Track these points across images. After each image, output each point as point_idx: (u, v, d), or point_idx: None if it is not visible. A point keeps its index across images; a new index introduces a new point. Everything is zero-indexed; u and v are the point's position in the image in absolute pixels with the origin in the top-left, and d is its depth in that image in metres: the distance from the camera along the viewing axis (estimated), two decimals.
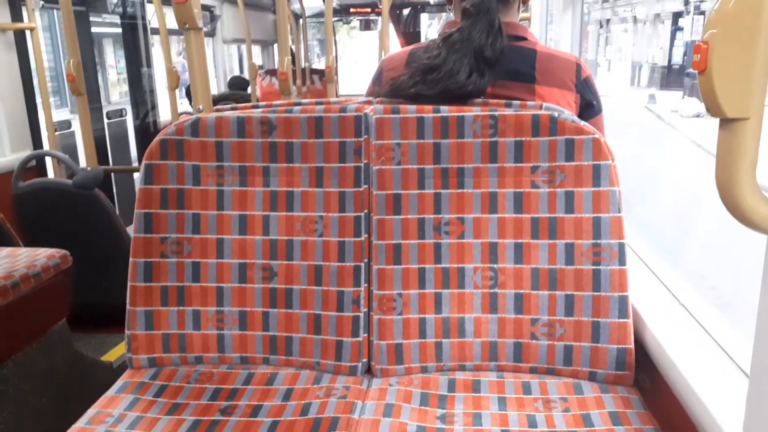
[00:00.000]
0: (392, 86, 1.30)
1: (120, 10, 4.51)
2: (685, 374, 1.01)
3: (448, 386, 1.22)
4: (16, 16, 3.04)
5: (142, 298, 1.30)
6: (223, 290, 1.30)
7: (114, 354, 2.46)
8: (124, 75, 4.77)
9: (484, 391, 1.20)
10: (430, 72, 1.26)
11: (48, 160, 3.27)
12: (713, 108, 0.62)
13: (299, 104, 1.31)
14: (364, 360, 1.28)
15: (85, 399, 1.27)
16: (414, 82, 1.27)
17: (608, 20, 27.89)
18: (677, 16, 21.60)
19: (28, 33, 3.12)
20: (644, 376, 1.23)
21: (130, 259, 1.30)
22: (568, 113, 1.23)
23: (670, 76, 20.79)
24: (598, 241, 1.21)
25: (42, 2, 3.30)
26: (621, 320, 1.20)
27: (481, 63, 1.24)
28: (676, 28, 21.76)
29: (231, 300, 1.30)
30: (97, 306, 2.31)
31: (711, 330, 1.15)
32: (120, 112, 4.49)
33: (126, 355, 1.32)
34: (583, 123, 1.21)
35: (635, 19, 25.72)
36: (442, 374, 1.26)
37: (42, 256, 1.94)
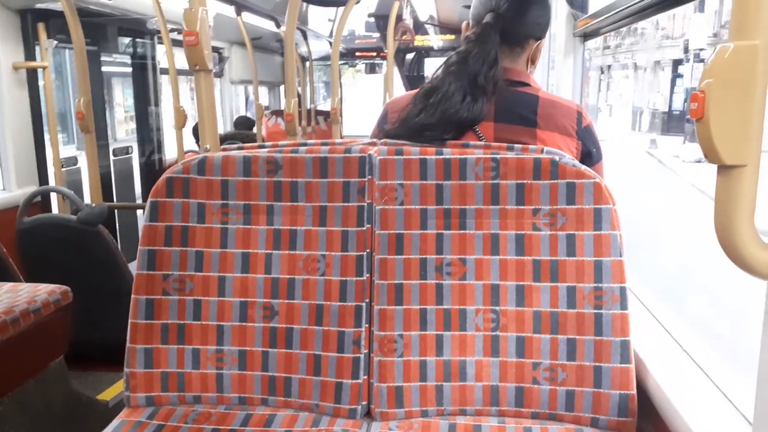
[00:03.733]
0: (401, 120, 1.34)
1: (131, 50, 4.61)
2: (689, 422, 0.99)
3: (448, 431, 1.20)
4: (30, 55, 3.11)
5: (143, 336, 1.29)
6: (223, 329, 1.30)
7: (110, 393, 2.43)
8: (131, 113, 4.84)
9: None
10: (430, 95, 1.32)
11: (53, 196, 3.30)
12: (711, 155, 0.63)
13: (305, 144, 1.33)
14: (363, 403, 1.26)
15: None
16: (419, 110, 1.32)
17: (609, 66, 28.38)
18: (677, 63, 21.99)
19: (39, 71, 3.19)
20: (647, 423, 1.21)
21: (132, 296, 1.30)
22: (569, 157, 1.24)
23: (671, 122, 21.06)
24: (600, 285, 1.20)
25: (55, 42, 3.38)
26: (623, 365, 1.19)
27: (475, 89, 1.29)
28: (676, 75, 22.15)
29: (231, 339, 1.29)
30: (95, 343, 2.30)
31: (714, 377, 1.13)
32: (126, 150, 4.54)
33: (124, 393, 1.31)
34: (584, 167, 1.22)
35: (636, 66, 26.17)
36: (443, 418, 1.25)
37: (43, 291, 1.94)
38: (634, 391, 1.19)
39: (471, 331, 1.24)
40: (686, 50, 20.84)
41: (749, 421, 0.98)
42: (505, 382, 1.23)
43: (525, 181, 1.23)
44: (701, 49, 19.53)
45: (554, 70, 2.76)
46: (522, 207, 1.23)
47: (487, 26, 1.34)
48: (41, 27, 3.17)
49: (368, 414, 1.28)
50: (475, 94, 1.29)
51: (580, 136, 1.36)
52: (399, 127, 1.34)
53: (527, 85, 1.38)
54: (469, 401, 1.25)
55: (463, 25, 1.47)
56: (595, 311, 1.20)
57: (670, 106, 21.81)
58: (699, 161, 13.24)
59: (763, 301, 0.72)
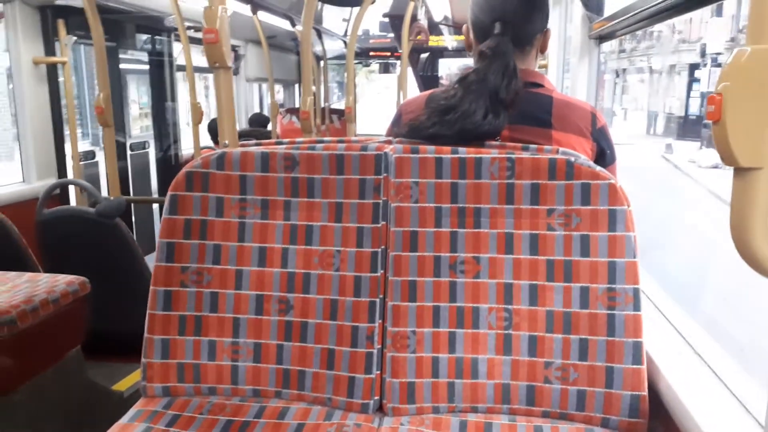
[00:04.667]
0: (411, 127, 1.34)
1: (148, 47, 4.65)
2: (700, 423, 1.00)
3: (459, 428, 1.21)
4: (49, 51, 3.16)
5: (160, 327, 1.32)
6: (239, 321, 1.32)
7: (125, 384, 2.47)
8: (146, 110, 4.89)
9: None
10: (447, 112, 1.30)
11: (71, 189, 3.34)
12: (727, 157, 0.64)
13: (321, 141, 1.34)
14: (375, 398, 1.28)
15: (95, 428, 1.28)
16: (432, 122, 1.30)
17: (624, 70, 28.19)
18: (694, 67, 21.80)
19: (59, 66, 3.24)
20: (658, 425, 1.22)
21: (151, 287, 1.32)
22: (584, 158, 1.25)
23: (687, 126, 20.87)
24: (613, 286, 1.21)
25: (75, 38, 3.43)
26: (635, 366, 1.20)
27: (496, 104, 1.27)
28: (692, 79, 21.95)
29: (247, 332, 1.31)
30: (111, 334, 2.33)
31: (726, 379, 1.14)
32: (143, 145, 4.59)
33: (140, 383, 1.33)
34: (598, 168, 1.23)
35: (651, 70, 25.98)
36: (454, 415, 1.26)
37: (62, 282, 1.97)
38: (646, 392, 1.20)
39: (483, 329, 1.25)
40: (703, 54, 20.66)
41: (761, 425, 0.98)
42: (516, 381, 1.24)
43: (540, 182, 1.23)
44: (718, 53, 19.35)
45: (569, 72, 2.76)
46: (536, 207, 1.24)
47: (499, 37, 1.32)
48: (61, 23, 3.23)
49: (380, 409, 1.29)
50: (496, 110, 1.27)
51: (594, 137, 1.36)
52: (410, 132, 1.33)
53: (541, 86, 1.38)
54: (480, 399, 1.26)
55: (464, 28, 1.46)
56: (608, 312, 1.21)
57: (686, 111, 21.62)
58: (716, 167, 13.12)
59: None
